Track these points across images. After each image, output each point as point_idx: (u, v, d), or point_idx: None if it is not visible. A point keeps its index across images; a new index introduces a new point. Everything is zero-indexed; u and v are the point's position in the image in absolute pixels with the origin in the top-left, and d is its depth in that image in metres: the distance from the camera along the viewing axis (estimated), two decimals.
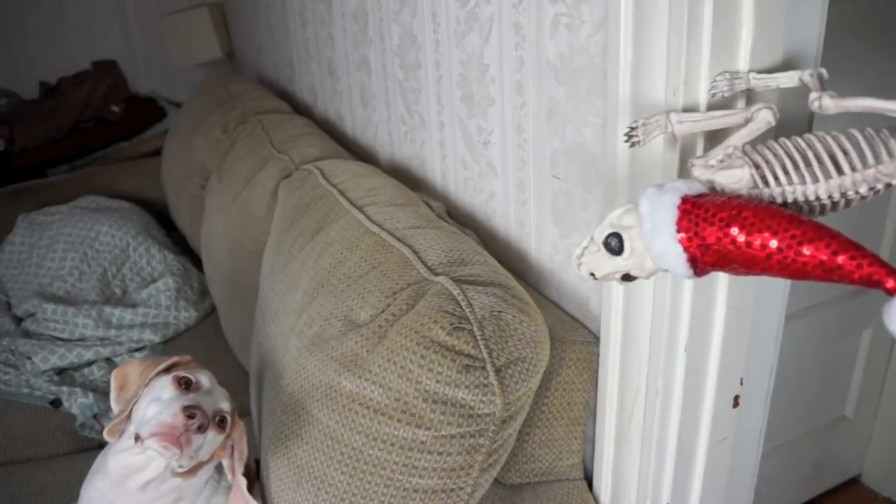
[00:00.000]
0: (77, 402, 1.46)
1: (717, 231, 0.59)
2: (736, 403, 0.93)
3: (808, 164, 0.62)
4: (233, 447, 0.90)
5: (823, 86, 0.66)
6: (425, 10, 1.25)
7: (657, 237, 0.63)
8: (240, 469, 0.89)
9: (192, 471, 0.86)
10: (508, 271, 0.93)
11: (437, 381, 0.78)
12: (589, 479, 1.04)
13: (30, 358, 1.55)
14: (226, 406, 0.87)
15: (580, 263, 0.70)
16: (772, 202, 0.62)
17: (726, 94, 0.74)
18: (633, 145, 0.73)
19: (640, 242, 0.65)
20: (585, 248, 0.69)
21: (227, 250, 1.47)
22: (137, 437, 0.81)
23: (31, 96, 2.54)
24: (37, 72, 2.57)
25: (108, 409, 1.30)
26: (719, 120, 0.70)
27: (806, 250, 0.55)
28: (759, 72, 0.73)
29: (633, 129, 0.72)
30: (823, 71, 0.67)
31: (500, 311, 0.81)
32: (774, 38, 0.75)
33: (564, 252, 1.05)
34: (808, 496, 1.84)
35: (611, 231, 0.66)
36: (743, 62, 0.75)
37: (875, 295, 0.53)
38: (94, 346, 1.60)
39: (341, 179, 1.21)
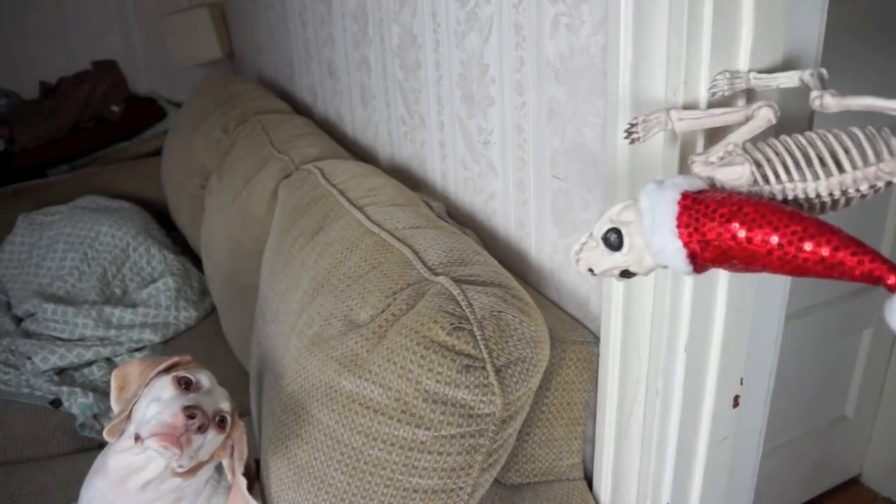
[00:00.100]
0: (77, 402, 1.46)
1: (718, 227, 0.59)
2: (736, 403, 0.93)
3: (808, 162, 0.62)
4: (233, 447, 0.90)
5: (824, 85, 0.66)
6: (425, 10, 1.24)
7: (657, 233, 0.63)
8: (240, 469, 0.89)
9: (192, 471, 0.86)
10: (508, 271, 0.93)
11: (437, 381, 0.78)
12: (589, 479, 1.04)
13: (30, 358, 1.55)
14: (226, 406, 0.87)
15: (579, 259, 0.69)
16: (772, 199, 0.62)
17: (726, 94, 0.74)
18: (632, 142, 0.73)
19: (639, 238, 0.64)
20: (584, 243, 0.69)
21: (227, 250, 1.47)
22: (137, 437, 0.81)
23: (31, 96, 2.54)
24: (37, 72, 2.57)
25: (108, 409, 1.30)
26: (720, 117, 0.70)
27: (807, 246, 0.55)
28: (760, 72, 0.73)
29: (633, 125, 0.72)
30: (824, 71, 0.67)
31: (500, 311, 0.81)
32: (774, 38, 0.75)
33: (564, 252, 1.05)
34: (808, 496, 1.83)
35: (610, 226, 0.66)
36: (743, 62, 0.75)
37: (875, 295, 0.53)
38: (94, 346, 1.60)
39: (341, 179, 1.21)
